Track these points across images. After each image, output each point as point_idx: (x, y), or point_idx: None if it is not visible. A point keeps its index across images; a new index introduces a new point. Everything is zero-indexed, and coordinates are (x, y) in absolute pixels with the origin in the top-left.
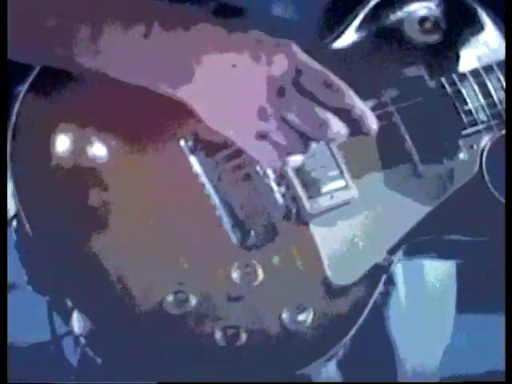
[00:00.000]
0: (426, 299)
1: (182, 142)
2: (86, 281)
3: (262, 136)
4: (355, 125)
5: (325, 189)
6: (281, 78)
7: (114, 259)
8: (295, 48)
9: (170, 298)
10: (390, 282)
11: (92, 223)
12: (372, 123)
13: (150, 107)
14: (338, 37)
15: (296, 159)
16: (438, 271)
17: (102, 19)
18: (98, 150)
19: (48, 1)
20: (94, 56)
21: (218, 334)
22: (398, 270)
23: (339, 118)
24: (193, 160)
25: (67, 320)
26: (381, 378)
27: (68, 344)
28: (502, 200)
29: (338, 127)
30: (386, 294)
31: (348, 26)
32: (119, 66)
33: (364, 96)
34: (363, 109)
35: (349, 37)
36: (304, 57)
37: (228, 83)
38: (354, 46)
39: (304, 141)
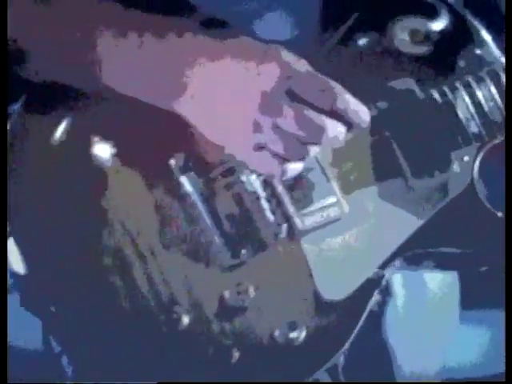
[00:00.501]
0: (426, 309)
1: (173, 162)
2: (80, 297)
3: (260, 147)
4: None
5: (316, 206)
6: (272, 89)
7: (107, 276)
8: (285, 53)
9: (162, 317)
10: (387, 291)
11: (86, 237)
12: (365, 117)
13: (144, 125)
14: (328, 48)
15: (295, 167)
16: (440, 280)
17: (95, 31)
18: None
19: (48, 18)
20: (94, 68)
21: (211, 352)
22: (397, 279)
23: (335, 120)
24: (183, 179)
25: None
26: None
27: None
28: (494, 211)
29: (334, 131)
30: (383, 304)
31: (337, 37)
32: (118, 79)
33: None
34: (357, 107)
35: (338, 49)
36: (294, 61)
37: (221, 95)
38: (343, 59)
39: (301, 147)
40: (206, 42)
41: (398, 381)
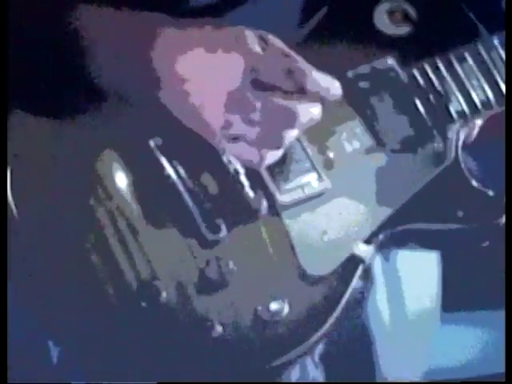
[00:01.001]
0: (406, 295)
1: (152, 142)
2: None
3: (236, 138)
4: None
5: (296, 182)
6: (237, 86)
7: (87, 254)
8: (250, 36)
9: (142, 292)
10: (370, 278)
11: (66, 217)
12: (337, 91)
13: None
14: (309, 29)
15: (274, 154)
16: (419, 266)
17: None
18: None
19: None
20: None
21: (192, 326)
22: (377, 265)
23: (307, 101)
24: (163, 159)
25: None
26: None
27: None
28: (479, 188)
29: (307, 113)
30: (365, 291)
31: (318, 18)
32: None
33: None
34: (328, 84)
35: (318, 29)
36: (258, 47)
37: (192, 90)
38: (323, 38)
39: (276, 135)
40: (177, 35)
41: (379, 371)
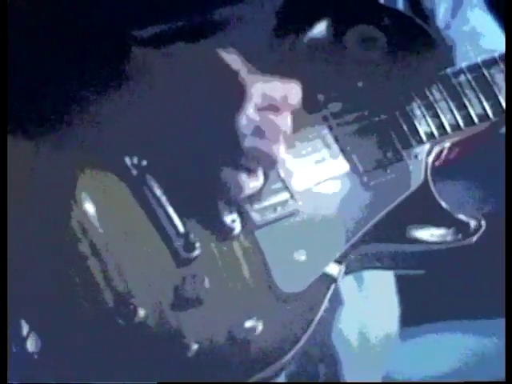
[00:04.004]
0: (369, 315)
1: (128, 160)
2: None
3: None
4: None
5: (268, 202)
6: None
7: (64, 269)
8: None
9: (120, 309)
10: (337, 299)
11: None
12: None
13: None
14: (281, 52)
15: (255, 184)
16: (377, 284)
17: None
18: None
19: None
20: None
21: (168, 345)
22: (344, 286)
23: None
24: (139, 178)
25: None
26: None
27: None
28: (448, 209)
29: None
30: (332, 311)
31: (294, 40)
32: None
33: (306, 110)
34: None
35: (290, 53)
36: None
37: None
38: (295, 62)
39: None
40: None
41: None
